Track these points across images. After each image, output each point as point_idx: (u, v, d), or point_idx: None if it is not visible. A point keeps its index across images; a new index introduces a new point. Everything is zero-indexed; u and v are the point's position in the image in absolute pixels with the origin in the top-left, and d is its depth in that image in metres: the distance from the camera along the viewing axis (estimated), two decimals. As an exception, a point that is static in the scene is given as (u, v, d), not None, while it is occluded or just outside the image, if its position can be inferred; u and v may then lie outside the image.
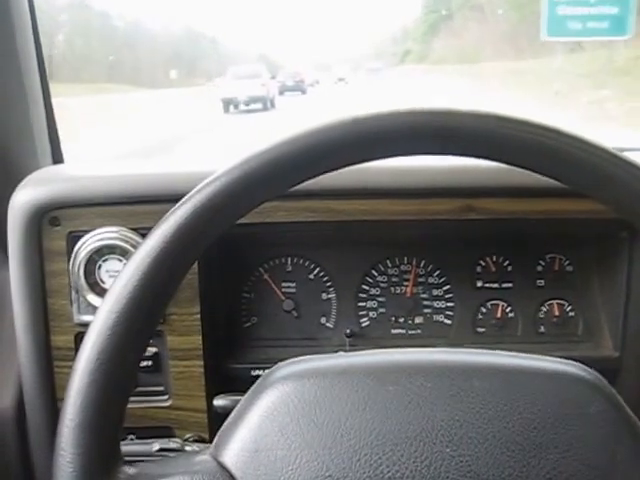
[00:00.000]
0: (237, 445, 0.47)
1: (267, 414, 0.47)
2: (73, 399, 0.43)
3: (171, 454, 0.75)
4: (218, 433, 0.50)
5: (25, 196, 0.89)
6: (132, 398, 0.45)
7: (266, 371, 0.53)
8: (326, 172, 0.48)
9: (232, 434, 0.48)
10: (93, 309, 0.89)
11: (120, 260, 0.89)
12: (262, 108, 15.72)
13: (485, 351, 0.53)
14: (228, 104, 15.57)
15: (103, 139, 11.03)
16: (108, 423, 0.44)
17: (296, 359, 0.52)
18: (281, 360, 0.59)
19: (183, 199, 0.47)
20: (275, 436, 0.46)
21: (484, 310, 1.02)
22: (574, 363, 0.52)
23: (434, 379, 0.48)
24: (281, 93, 21.44)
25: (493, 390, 0.47)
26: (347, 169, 0.49)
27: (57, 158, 1.13)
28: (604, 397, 0.49)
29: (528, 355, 0.53)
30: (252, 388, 0.51)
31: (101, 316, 0.44)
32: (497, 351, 0.53)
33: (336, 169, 0.48)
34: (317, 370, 0.50)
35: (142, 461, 0.69)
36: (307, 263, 1.02)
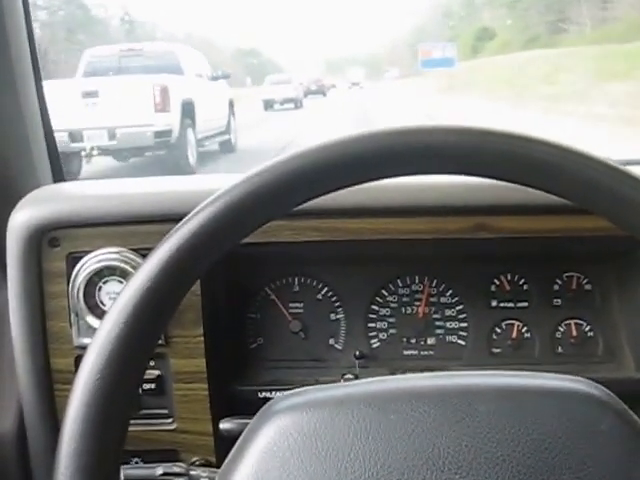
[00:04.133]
0: None
1: (267, 449, 0.46)
2: (70, 430, 0.42)
3: (175, 479, 0.76)
4: (220, 470, 0.49)
5: (24, 216, 0.86)
6: (136, 421, 0.45)
7: (264, 405, 0.51)
8: (334, 190, 0.47)
9: (234, 470, 0.47)
10: (93, 331, 0.84)
11: (120, 282, 0.87)
12: (294, 107, 18.69)
13: (487, 372, 0.53)
14: (267, 104, 18.66)
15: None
16: (107, 453, 0.43)
17: (293, 391, 0.51)
18: (288, 382, 0.68)
19: (183, 220, 0.46)
20: (277, 471, 0.45)
21: (499, 330, 0.97)
22: (582, 380, 0.50)
23: (437, 405, 0.47)
24: (305, 96, 26.87)
25: (499, 413, 0.46)
26: (356, 187, 0.47)
27: (58, 176, 1.09)
28: (615, 414, 0.47)
29: (532, 374, 0.51)
30: (251, 423, 0.50)
31: (98, 341, 0.44)
32: (499, 371, 0.52)
33: (345, 187, 0.47)
34: (315, 401, 0.49)
35: None
36: (315, 283, 0.98)
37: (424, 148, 0.46)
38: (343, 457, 0.45)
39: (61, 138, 6.72)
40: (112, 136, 6.79)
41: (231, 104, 9.38)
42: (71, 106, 6.73)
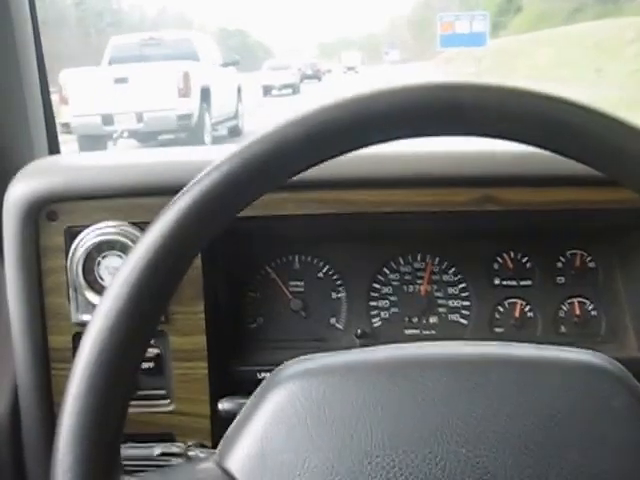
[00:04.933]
0: (243, 451, 0.44)
1: (273, 416, 0.45)
2: (70, 406, 0.41)
3: (173, 459, 0.74)
4: (223, 438, 0.47)
5: (20, 189, 0.81)
6: (132, 402, 0.43)
7: (273, 370, 0.50)
8: (337, 155, 0.44)
9: (237, 439, 0.45)
10: (92, 308, 0.81)
11: (120, 257, 0.82)
12: (292, 92, 19.15)
13: (502, 343, 0.50)
14: (266, 90, 19.12)
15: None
16: (107, 431, 0.42)
17: (303, 357, 0.49)
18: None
19: (181, 191, 0.43)
20: (282, 439, 0.44)
21: (502, 309, 0.93)
22: (596, 353, 0.48)
23: (449, 374, 0.45)
24: (301, 80, 27.38)
25: (511, 384, 0.44)
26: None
27: (53, 149, 1.03)
28: (628, 390, 0.45)
29: (547, 346, 0.49)
30: (258, 389, 0.48)
31: (98, 317, 0.42)
32: (514, 343, 0.50)
33: (350, 151, 0.44)
34: (325, 368, 0.47)
35: (143, 465, 0.72)
36: (316, 261, 0.94)
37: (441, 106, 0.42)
38: (350, 425, 0.43)
39: (95, 121, 7.55)
40: (140, 119, 7.35)
41: (239, 90, 10.09)
42: (104, 92, 7.30)
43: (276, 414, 0.45)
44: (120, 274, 0.42)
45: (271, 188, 0.44)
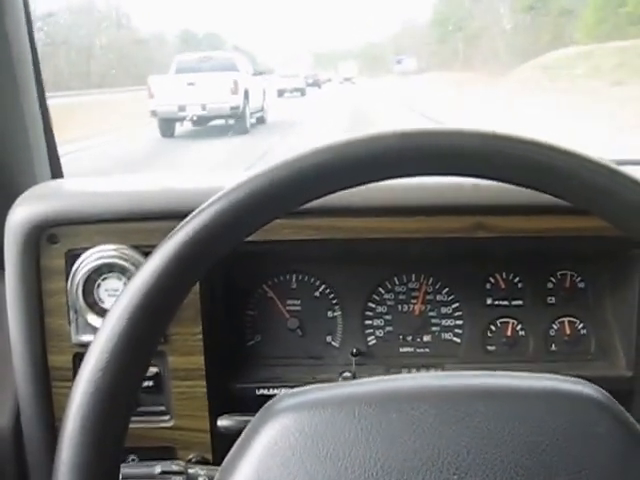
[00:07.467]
0: None
1: (268, 448, 0.44)
2: (70, 424, 0.41)
3: (174, 477, 0.72)
4: (220, 467, 0.44)
5: (22, 213, 0.76)
6: (133, 418, 0.42)
7: (265, 404, 0.47)
8: (338, 191, 0.44)
9: (233, 470, 0.43)
10: (92, 329, 0.76)
11: (120, 279, 0.77)
12: (300, 95, 21.16)
13: (488, 373, 0.48)
14: (279, 92, 21.18)
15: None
16: (106, 454, 0.41)
17: (295, 390, 0.47)
18: (286, 379, 0.59)
19: (185, 220, 0.42)
20: (277, 471, 0.43)
21: (494, 328, 0.86)
22: (581, 381, 0.46)
23: (438, 405, 0.44)
24: (304, 87, 23.29)
25: (499, 413, 0.43)
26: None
27: (56, 173, 0.96)
28: (613, 416, 0.44)
29: (532, 375, 0.46)
30: (252, 422, 0.45)
31: (100, 340, 0.41)
32: (500, 372, 0.47)
33: (346, 189, 0.45)
34: (317, 401, 0.46)
35: None
36: (312, 280, 0.86)
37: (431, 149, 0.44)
38: (343, 457, 0.43)
39: (172, 109, 8.93)
40: (204, 108, 9.03)
41: (264, 92, 11.87)
42: (178, 91, 9.21)
43: (271, 447, 0.41)
44: (122, 298, 0.40)
45: (273, 219, 0.42)
